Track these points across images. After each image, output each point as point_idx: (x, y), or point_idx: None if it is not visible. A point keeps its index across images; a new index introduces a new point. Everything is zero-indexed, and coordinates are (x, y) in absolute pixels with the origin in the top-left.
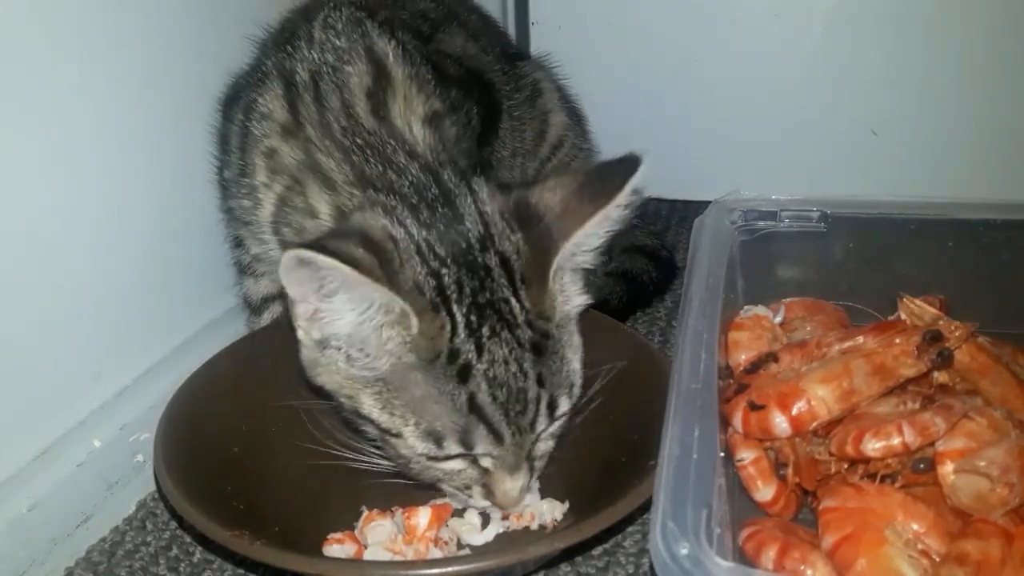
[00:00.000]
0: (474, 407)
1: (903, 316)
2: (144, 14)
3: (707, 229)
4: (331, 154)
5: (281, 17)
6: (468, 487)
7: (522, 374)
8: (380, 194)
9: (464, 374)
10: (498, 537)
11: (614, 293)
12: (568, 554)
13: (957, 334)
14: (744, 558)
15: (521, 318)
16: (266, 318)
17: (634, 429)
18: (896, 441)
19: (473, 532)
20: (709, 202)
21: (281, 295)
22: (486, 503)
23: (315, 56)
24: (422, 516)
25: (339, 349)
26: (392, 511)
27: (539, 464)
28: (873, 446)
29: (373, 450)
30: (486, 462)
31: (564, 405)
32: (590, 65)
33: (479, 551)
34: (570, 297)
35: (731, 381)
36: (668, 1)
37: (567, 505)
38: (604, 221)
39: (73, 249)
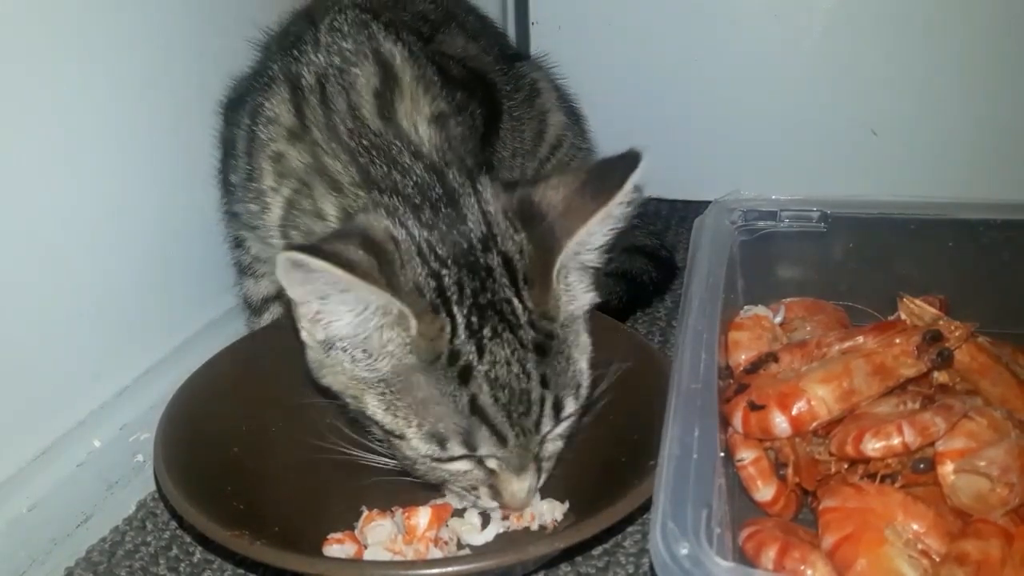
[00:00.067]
0: (476, 409)
1: (903, 316)
2: (144, 14)
3: (707, 229)
4: (337, 156)
5: (281, 18)
6: (475, 488)
7: (525, 375)
8: (384, 195)
9: (465, 376)
10: (498, 537)
11: (614, 293)
12: (568, 554)
13: (957, 334)
14: (744, 558)
15: (524, 318)
16: (266, 318)
17: (634, 429)
18: (896, 441)
19: (473, 532)
20: (709, 202)
21: (281, 296)
22: (494, 504)
23: (321, 59)
24: (422, 516)
25: (344, 350)
26: (392, 511)
27: (547, 465)
28: (873, 446)
29: (380, 449)
30: (492, 463)
31: (570, 406)
32: (590, 65)
33: (479, 551)
34: (576, 296)
35: (731, 381)
36: (668, 1)
37: (567, 505)
38: (607, 219)
39: (73, 249)
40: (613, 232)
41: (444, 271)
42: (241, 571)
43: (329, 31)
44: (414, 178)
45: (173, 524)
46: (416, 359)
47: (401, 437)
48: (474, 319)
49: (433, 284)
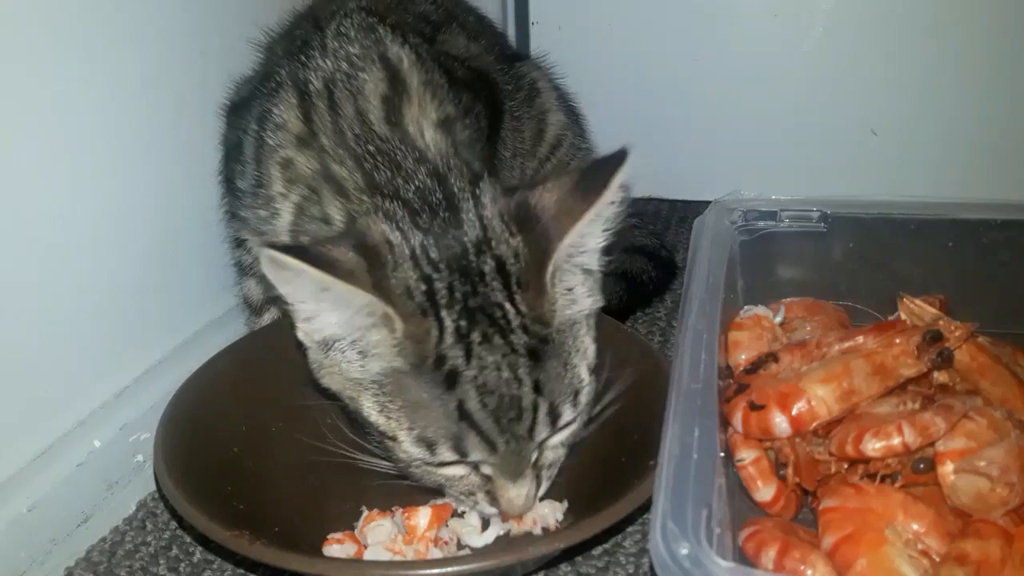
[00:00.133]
0: (464, 414)
1: (903, 316)
2: (144, 13)
3: (707, 229)
4: (343, 162)
5: (282, 18)
6: (472, 493)
7: (516, 380)
8: (386, 200)
9: (452, 380)
10: (498, 539)
11: (614, 293)
12: (568, 554)
13: (957, 334)
14: (744, 558)
15: (516, 322)
16: (267, 318)
17: (634, 429)
18: (896, 441)
19: (473, 535)
20: (709, 202)
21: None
22: (492, 510)
23: (329, 64)
24: (422, 516)
25: (342, 352)
26: (392, 511)
27: (547, 473)
28: (873, 446)
29: (378, 451)
30: (487, 469)
31: (568, 413)
32: (590, 65)
33: (479, 551)
34: (576, 300)
35: (731, 381)
36: (668, 1)
37: (566, 504)
38: (597, 218)
39: (73, 249)
40: (607, 232)
41: (435, 275)
42: (241, 571)
43: (336, 36)
44: (416, 183)
45: (173, 524)
46: (403, 362)
47: (394, 439)
48: (463, 323)
49: (423, 287)
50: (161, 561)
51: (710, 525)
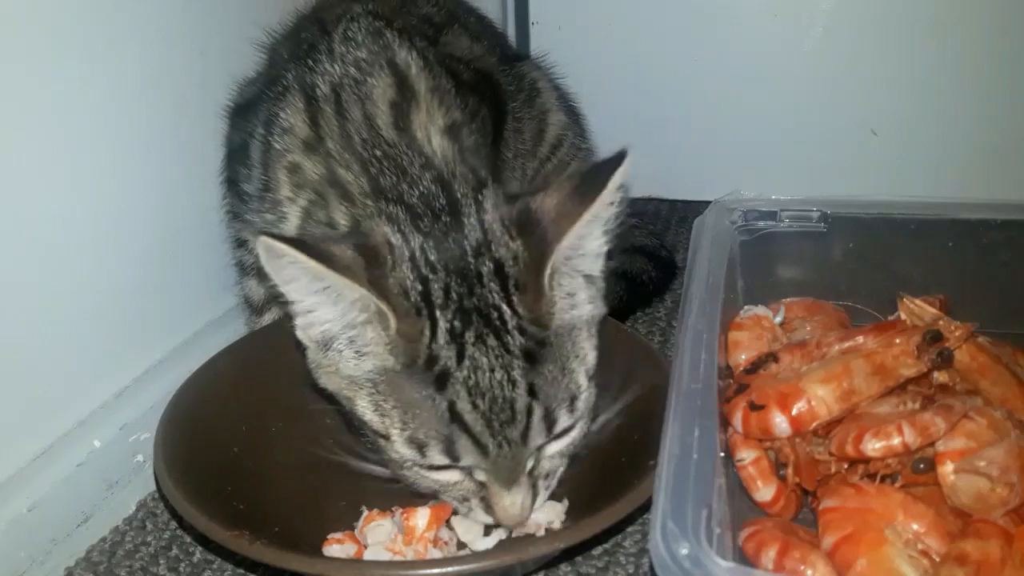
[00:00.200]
0: (455, 416)
1: (903, 316)
2: (144, 13)
3: (707, 229)
4: (350, 167)
5: (283, 19)
6: (467, 499)
7: (510, 383)
8: (390, 204)
9: (442, 380)
10: (499, 541)
11: (614, 293)
12: (568, 554)
13: (957, 334)
14: (744, 558)
15: (512, 324)
16: (267, 318)
17: (634, 429)
18: (896, 441)
19: (475, 539)
20: (709, 202)
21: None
22: (488, 519)
23: (336, 69)
24: (420, 517)
25: (339, 351)
26: (392, 511)
27: (544, 484)
28: (873, 446)
29: (371, 455)
30: (480, 475)
31: (564, 420)
32: (590, 65)
33: (479, 551)
34: (576, 304)
35: (731, 381)
36: (668, 1)
37: (566, 504)
38: (595, 220)
39: (73, 249)
40: (607, 235)
41: (433, 276)
42: (241, 571)
43: (343, 40)
44: (421, 188)
45: (173, 524)
46: (395, 361)
47: (387, 439)
48: (457, 323)
49: (419, 288)
50: (161, 561)
51: (710, 525)
